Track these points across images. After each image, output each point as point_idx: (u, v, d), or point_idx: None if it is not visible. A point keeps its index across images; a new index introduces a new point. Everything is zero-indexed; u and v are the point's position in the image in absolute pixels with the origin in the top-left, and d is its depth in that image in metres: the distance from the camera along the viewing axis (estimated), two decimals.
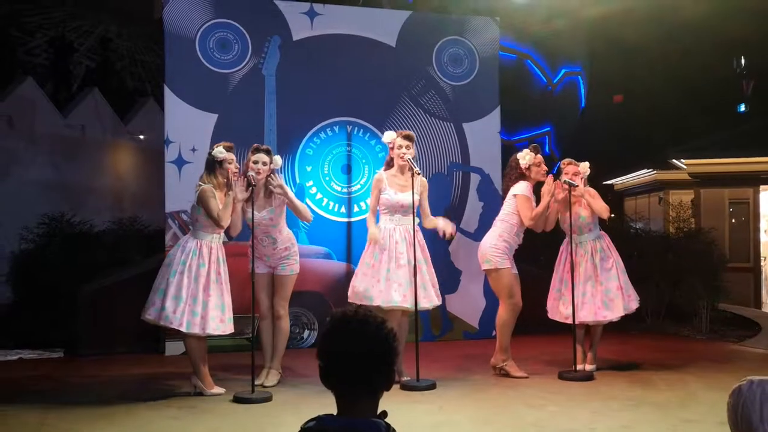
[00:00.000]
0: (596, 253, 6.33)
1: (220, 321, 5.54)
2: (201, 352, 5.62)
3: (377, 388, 1.94)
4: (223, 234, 5.73)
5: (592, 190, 6.49)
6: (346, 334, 1.92)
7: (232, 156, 5.73)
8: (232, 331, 5.68)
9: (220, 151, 5.66)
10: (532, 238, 6.75)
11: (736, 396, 2.00)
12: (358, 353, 1.90)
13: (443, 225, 6.17)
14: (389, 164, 6.18)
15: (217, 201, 5.59)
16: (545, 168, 6.32)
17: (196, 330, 5.47)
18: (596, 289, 6.26)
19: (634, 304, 6.38)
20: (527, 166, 6.24)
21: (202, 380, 5.58)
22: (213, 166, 5.69)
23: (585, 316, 6.24)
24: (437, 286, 6.15)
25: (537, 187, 6.40)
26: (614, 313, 6.27)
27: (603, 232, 6.49)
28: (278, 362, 6.02)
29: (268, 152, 5.93)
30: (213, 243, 5.62)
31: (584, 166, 6.39)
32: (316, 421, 1.90)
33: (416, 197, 6.00)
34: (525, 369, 6.29)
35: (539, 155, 6.33)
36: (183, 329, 5.45)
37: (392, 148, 6.10)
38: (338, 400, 1.94)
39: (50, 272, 7.78)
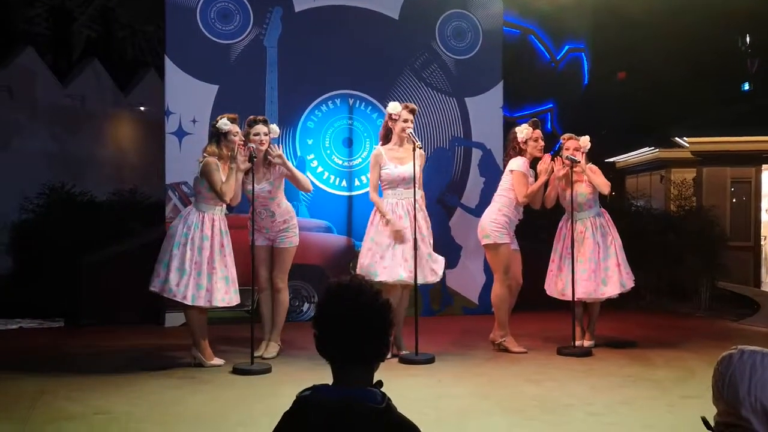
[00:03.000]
0: (597, 230, 6.33)
1: (225, 293, 5.56)
2: (201, 324, 5.63)
3: (372, 357, 1.95)
4: (225, 206, 5.71)
5: (594, 167, 6.46)
6: (341, 304, 1.93)
7: (236, 128, 5.71)
8: (239, 302, 5.68)
9: (224, 123, 5.63)
10: (532, 215, 6.73)
11: (725, 364, 1.99)
12: (353, 323, 1.91)
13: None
14: (386, 138, 6.13)
15: (221, 174, 5.57)
16: (542, 144, 6.28)
17: (201, 303, 5.48)
18: (598, 266, 6.26)
19: (630, 282, 6.38)
20: (524, 140, 6.21)
21: (201, 352, 5.60)
22: (217, 137, 5.66)
23: (583, 292, 6.24)
24: (440, 260, 6.13)
25: (535, 164, 6.37)
26: (612, 290, 6.28)
27: (603, 209, 6.49)
28: (278, 334, 6.03)
29: (265, 122, 5.93)
30: (216, 215, 5.60)
31: (585, 140, 6.37)
32: (312, 391, 1.92)
33: (416, 168, 5.96)
34: (524, 345, 6.31)
35: (538, 130, 6.28)
36: (188, 302, 5.46)
37: (396, 120, 6.04)
38: (334, 369, 1.95)
39: (50, 243, 7.78)
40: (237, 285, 5.67)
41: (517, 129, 6.28)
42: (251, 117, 5.98)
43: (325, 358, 1.96)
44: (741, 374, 1.95)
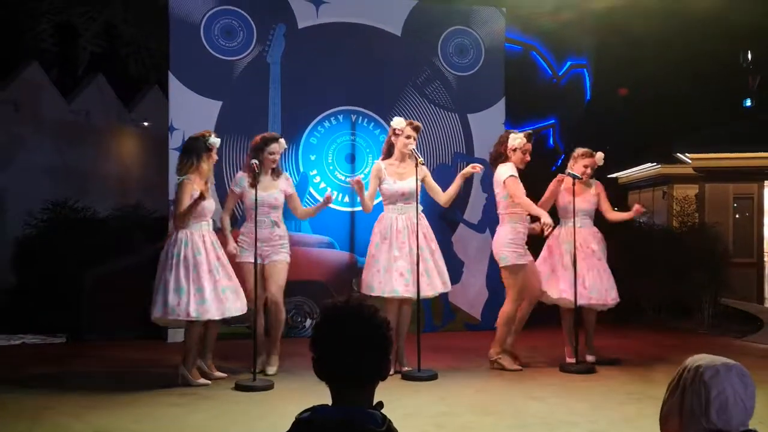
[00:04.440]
0: (600, 241, 6.39)
1: (235, 302, 5.58)
2: (197, 341, 5.63)
3: (371, 378, 1.92)
4: (211, 221, 5.72)
5: (601, 187, 6.56)
6: (338, 325, 1.90)
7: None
8: (246, 310, 5.70)
9: (214, 142, 5.68)
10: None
11: (712, 374, 2.01)
12: (351, 344, 1.88)
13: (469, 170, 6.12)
14: (388, 153, 6.15)
15: (191, 194, 5.52)
16: (528, 158, 6.22)
17: (208, 316, 5.47)
18: (601, 274, 6.30)
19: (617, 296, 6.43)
20: (514, 148, 6.19)
21: (189, 370, 5.58)
22: (200, 154, 5.64)
23: (598, 295, 6.26)
24: (445, 274, 6.12)
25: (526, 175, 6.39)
26: (614, 295, 6.34)
27: None
28: (277, 350, 6.01)
29: (278, 140, 5.96)
30: (203, 230, 5.61)
31: (599, 157, 6.41)
32: (311, 412, 1.89)
33: (418, 184, 5.98)
34: (526, 360, 6.31)
35: (529, 144, 6.25)
36: (192, 317, 5.43)
37: (399, 136, 6.06)
38: (332, 391, 1.92)
39: (54, 257, 7.79)
40: (243, 294, 5.68)
41: (512, 135, 6.26)
42: (267, 134, 6.02)
43: (323, 380, 1.93)
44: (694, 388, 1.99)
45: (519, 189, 6.09)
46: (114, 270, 7.56)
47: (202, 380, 5.62)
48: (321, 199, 6.03)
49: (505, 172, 6.13)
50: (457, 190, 6.25)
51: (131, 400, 5.12)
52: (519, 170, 6.22)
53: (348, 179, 6.16)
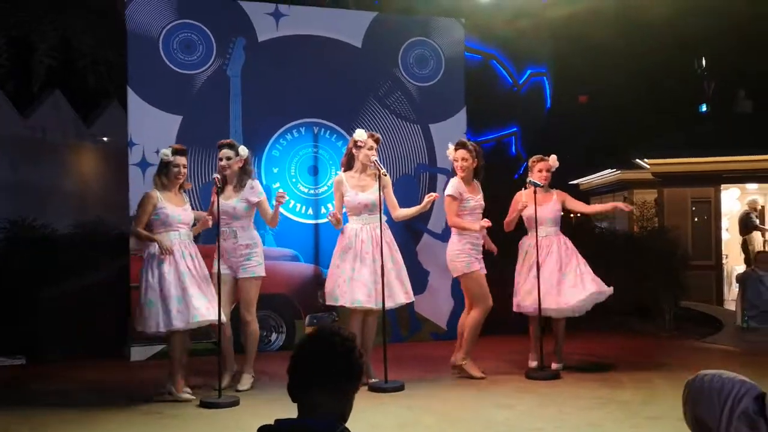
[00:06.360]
0: (561, 246, 6.44)
1: (208, 309, 5.50)
2: (180, 353, 5.59)
3: (336, 389, 2.01)
4: (184, 229, 5.66)
5: (562, 193, 6.63)
6: (313, 353, 2.03)
7: (181, 160, 5.71)
8: (200, 320, 5.55)
9: (164, 153, 5.70)
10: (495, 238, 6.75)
11: (687, 390, 2.05)
12: (324, 371, 2.00)
13: (427, 201, 6.07)
14: (348, 165, 6.15)
15: (152, 208, 5.58)
16: (463, 164, 6.21)
17: (168, 327, 5.44)
18: (561, 280, 6.34)
19: (596, 286, 6.36)
20: (452, 161, 6.32)
21: (174, 382, 5.54)
22: (161, 167, 5.73)
23: (552, 304, 6.29)
24: (407, 285, 6.12)
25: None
26: (576, 295, 6.29)
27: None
28: (251, 366, 5.96)
29: (231, 146, 5.95)
30: (168, 240, 5.58)
31: (553, 160, 6.50)
32: (274, 423, 1.99)
33: (380, 195, 5.97)
34: (491, 368, 6.33)
35: (460, 150, 6.27)
36: (158, 330, 5.46)
37: (361, 147, 6.07)
38: (300, 408, 2.01)
39: (12, 277, 7.62)
40: (199, 305, 5.51)
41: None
42: (219, 141, 6.03)
43: (294, 401, 2.02)
44: (699, 396, 2.02)
45: (450, 210, 6.22)
46: (74, 289, 7.42)
47: (186, 394, 5.53)
48: (285, 212, 5.98)
49: (447, 189, 6.29)
50: (413, 214, 6.30)
51: (94, 420, 5.02)
52: (473, 179, 6.31)
53: (327, 216, 6.12)
